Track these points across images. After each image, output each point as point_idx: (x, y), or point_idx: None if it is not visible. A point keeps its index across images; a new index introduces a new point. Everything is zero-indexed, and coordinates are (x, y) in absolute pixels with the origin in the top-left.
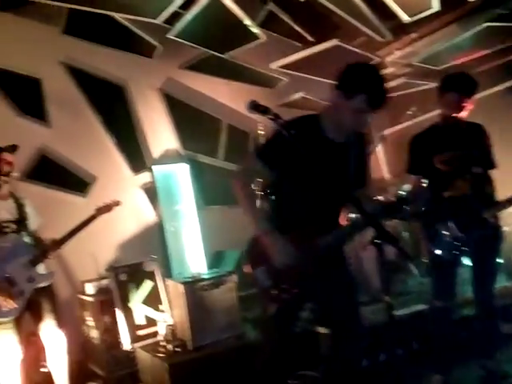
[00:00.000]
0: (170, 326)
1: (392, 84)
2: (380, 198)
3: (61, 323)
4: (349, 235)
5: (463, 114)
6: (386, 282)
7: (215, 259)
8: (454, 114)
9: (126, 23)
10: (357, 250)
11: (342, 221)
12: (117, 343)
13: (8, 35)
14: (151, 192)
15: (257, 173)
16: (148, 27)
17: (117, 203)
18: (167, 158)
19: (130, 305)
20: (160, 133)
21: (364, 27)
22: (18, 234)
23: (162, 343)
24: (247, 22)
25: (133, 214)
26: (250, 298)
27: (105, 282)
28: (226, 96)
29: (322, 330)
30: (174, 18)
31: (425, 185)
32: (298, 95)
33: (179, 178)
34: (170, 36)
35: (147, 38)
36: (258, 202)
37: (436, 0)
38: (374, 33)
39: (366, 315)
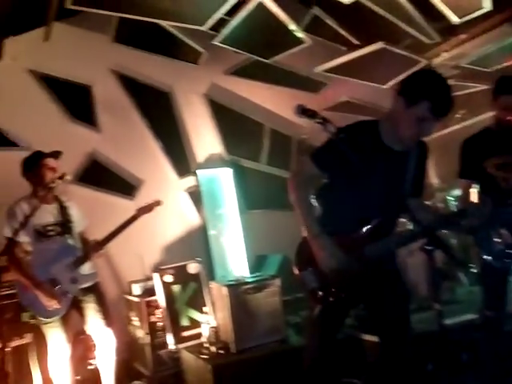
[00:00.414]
0: (213, 328)
1: None
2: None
3: (109, 322)
4: (400, 244)
5: None
6: (435, 289)
7: (257, 263)
8: (508, 118)
9: (173, 30)
10: (402, 256)
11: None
12: (162, 344)
13: (61, 44)
14: (195, 196)
15: (311, 176)
16: (194, 34)
17: (158, 203)
18: (211, 162)
19: (175, 306)
20: (204, 137)
21: (411, 29)
22: (62, 236)
23: (205, 345)
24: (292, 26)
25: (178, 217)
26: (293, 302)
27: (151, 283)
28: (269, 101)
29: (367, 337)
30: (220, 24)
31: (476, 190)
32: (342, 99)
33: (222, 182)
34: (216, 42)
35: (193, 44)
36: (313, 205)
37: (487, 0)
38: (421, 35)
39: (414, 323)
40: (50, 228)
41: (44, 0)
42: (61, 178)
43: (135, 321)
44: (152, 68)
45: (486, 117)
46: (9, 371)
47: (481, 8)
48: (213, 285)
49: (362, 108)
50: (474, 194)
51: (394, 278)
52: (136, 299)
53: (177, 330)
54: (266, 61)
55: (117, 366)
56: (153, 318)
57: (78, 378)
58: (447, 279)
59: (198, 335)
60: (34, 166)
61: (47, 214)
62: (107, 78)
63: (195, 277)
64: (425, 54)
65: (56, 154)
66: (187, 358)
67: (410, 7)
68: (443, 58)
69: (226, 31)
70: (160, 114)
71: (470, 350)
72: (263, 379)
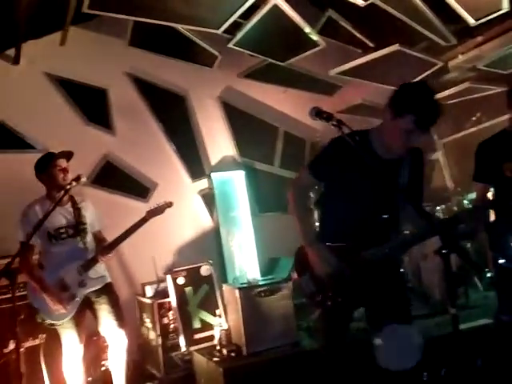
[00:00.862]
0: (225, 330)
1: (456, 89)
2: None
3: (122, 323)
4: (398, 249)
5: None
6: (451, 293)
7: (269, 266)
8: None
9: (189, 34)
10: (417, 261)
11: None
12: (174, 346)
13: (77, 48)
14: (208, 198)
15: (309, 185)
16: (209, 37)
17: (169, 204)
18: (225, 164)
19: (187, 308)
20: (218, 140)
21: (427, 31)
22: (74, 238)
23: (217, 347)
24: (307, 29)
25: (191, 220)
26: (305, 306)
27: (163, 284)
28: (283, 103)
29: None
30: (235, 27)
31: (491, 194)
32: (357, 101)
33: (235, 185)
34: (231, 45)
35: (208, 48)
36: (311, 214)
37: (506, 0)
38: (437, 37)
39: (428, 328)
40: (62, 231)
41: (61, 4)
42: (76, 179)
43: (148, 322)
44: (167, 71)
45: (503, 119)
46: (23, 372)
47: (499, 9)
48: (225, 287)
49: (377, 111)
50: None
51: (394, 283)
52: (148, 301)
53: (189, 332)
54: (281, 64)
55: (128, 368)
56: (165, 320)
57: (90, 379)
58: (462, 284)
59: (210, 338)
60: (46, 166)
61: (60, 217)
62: (123, 82)
63: (207, 279)
64: (441, 57)
65: (67, 155)
66: (199, 360)
67: (425, 9)
68: (459, 61)
69: (240, 34)
70: (174, 117)
71: (484, 355)
72: (275, 382)
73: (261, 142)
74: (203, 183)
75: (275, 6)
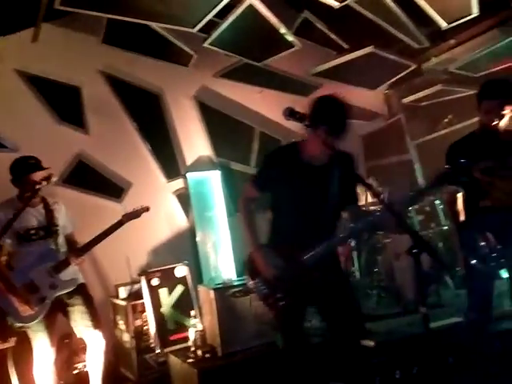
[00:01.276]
0: (200, 331)
1: (428, 91)
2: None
3: (97, 324)
4: (331, 247)
5: (503, 122)
6: (422, 292)
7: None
8: (493, 122)
9: (164, 32)
10: (390, 260)
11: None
12: (148, 347)
13: (50, 45)
14: (184, 198)
15: (254, 196)
16: (184, 36)
17: (145, 209)
18: (200, 164)
19: (162, 309)
20: (194, 140)
21: (400, 34)
22: (44, 240)
23: (192, 349)
24: (283, 30)
25: (166, 220)
26: None
27: (137, 286)
28: (259, 104)
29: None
30: (210, 26)
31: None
32: None
33: (212, 185)
34: (206, 45)
35: (183, 46)
36: (256, 222)
37: (475, 5)
38: (410, 40)
39: (400, 327)
40: (32, 232)
41: (33, 0)
42: (46, 179)
43: (121, 324)
44: (142, 70)
45: (474, 121)
46: None
47: (470, 13)
48: (200, 288)
49: (352, 112)
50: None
51: (339, 282)
52: (122, 302)
53: (163, 333)
54: (257, 64)
55: (104, 370)
56: (139, 322)
57: (62, 383)
58: (433, 282)
59: (185, 339)
60: (21, 177)
61: (31, 218)
62: (96, 80)
63: (182, 280)
64: (414, 59)
65: (38, 167)
66: (173, 361)
67: (399, 12)
68: (432, 63)
69: (216, 34)
70: (149, 116)
71: (455, 353)
72: (250, 383)
73: (237, 142)
74: (178, 183)
75: (250, 6)
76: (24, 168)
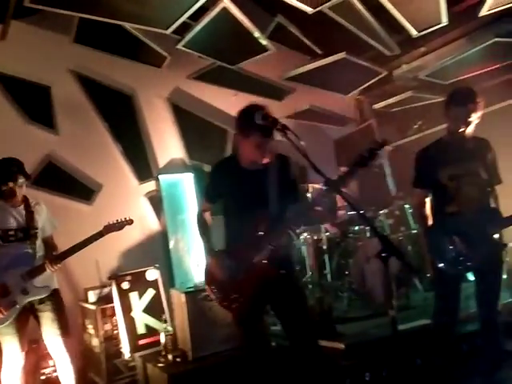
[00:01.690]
0: (170, 335)
1: (399, 98)
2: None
3: (66, 332)
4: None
5: (469, 129)
6: (390, 295)
7: None
8: (460, 129)
9: (137, 33)
10: (361, 263)
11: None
12: (117, 352)
13: (19, 43)
14: (156, 201)
15: (207, 209)
16: (158, 37)
17: (129, 222)
18: (173, 167)
19: (132, 313)
20: (166, 142)
21: (372, 41)
22: (22, 242)
23: (162, 353)
24: (256, 33)
25: (137, 223)
26: None
27: (107, 290)
28: (233, 106)
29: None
30: (184, 28)
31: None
32: (305, 107)
33: (185, 188)
34: (180, 46)
35: (157, 48)
36: (210, 231)
37: (445, 14)
38: (382, 47)
39: (370, 329)
40: (11, 233)
41: None
42: (13, 180)
43: (90, 329)
44: (114, 70)
45: (443, 128)
46: None
47: (439, 22)
48: (171, 292)
49: (324, 116)
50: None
51: (290, 281)
52: (91, 307)
53: (133, 338)
54: (231, 67)
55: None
56: (108, 326)
57: None
58: (402, 285)
59: (156, 343)
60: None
61: (10, 218)
62: (67, 79)
63: (153, 284)
64: (386, 66)
65: (14, 177)
66: (143, 366)
67: (371, 19)
68: (403, 70)
69: (189, 36)
70: (121, 118)
71: (423, 355)
72: None
73: (210, 144)
74: (150, 185)
75: (225, 9)
76: (5, 175)
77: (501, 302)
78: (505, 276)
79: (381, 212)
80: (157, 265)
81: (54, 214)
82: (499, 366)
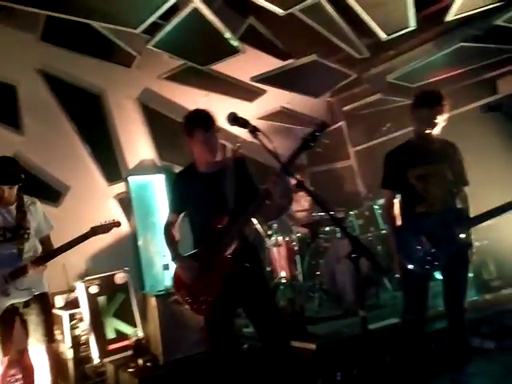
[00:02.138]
0: (141, 340)
1: (368, 100)
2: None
3: (50, 338)
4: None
5: (436, 131)
6: (360, 295)
7: None
8: (426, 131)
9: (105, 32)
10: (331, 264)
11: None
12: (86, 358)
13: None
14: (125, 203)
15: (173, 220)
16: (127, 36)
17: (117, 224)
18: (143, 168)
19: (101, 318)
20: (136, 143)
21: (342, 44)
22: (9, 242)
23: (132, 358)
24: (228, 34)
25: None
26: None
27: (74, 294)
28: (204, 107)
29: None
30: (154, 28)
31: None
32: (277, 108)
33: (155, 189)
34: (149, 46)
35: (126, 47)
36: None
37: (413, 18)
38: (351, 49)
39: (341, 329)
40: None
41: None
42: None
43: (58, 335)
44: (82, 69)
45: (411, 130)
46: None
47: (407, 26)
48: (141, 295)
49: (296, 118)
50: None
51: (256, 277)
52: (59, 312)
53: (102, 343)
54: (201, 67)
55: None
56: (77, 332)
57: None
58: (372, 285)
59: (126, 348)
60: None
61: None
62: (33, 78)
63: (123, 287)
64: (355, 68)
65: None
66: (113, 372)
67: (341, 22)
68: (372, 73)
69: (160, 35)
70: (89, 118)
71: (393, 353)
72: None
73: (182, 145)
74: (120, 187)
75: (195, 10)
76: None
77: (467, 300)
78: (471, 274)
79: (351, 213)
80: (126, 268)
81: None
82: (466, 362)
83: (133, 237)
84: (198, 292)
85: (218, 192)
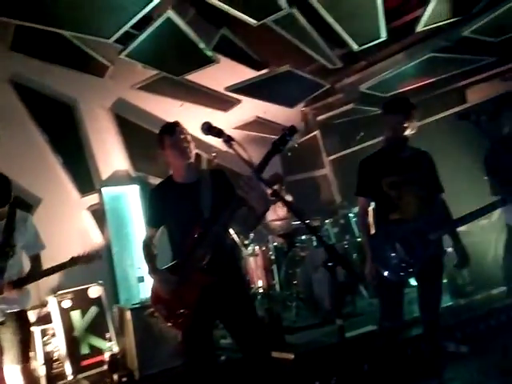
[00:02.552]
0: (116, 354)
1: (341, 109)
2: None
3: (24, 358)
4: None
5: (404, 136)
6: (337, 304)
7: None
8: (396, 136)
9: (77, 42)
10: (308, 273)
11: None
12: (60, 375)
13: None
14: (99, 214)
15: (151, 235)
16: (100, 46)
17: (99, 256)
18: (117, 179)
19: (74, 333)
20: (110, 153)
21: (315, 54)
22: None
23: (108, 373)
24: (201, 44)
25: (79, 237)
26: None
27: (47, 309)
28: (178, 118)
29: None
30: (128, 38)
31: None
32: (251, 118)
33: (129, 200)
34: (123, 56)
35: (98, 57)
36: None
37: (384, 29)
38: (324, 60)
39: (319, 338)
40: None
41: None
42: None
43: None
44: (54, 79)
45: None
46: None
47: (378, 37)
48: (116, 309)
49: (270, 127)
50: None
51: (235, 288)
52: (31, 328)
53: (76, 358)
54: (176, 77)
55: None
56: (49, 348)
57: None
58: (349, 292)
59: (100, 363)
60: None
61: None
62: (3, 88)
63: (97, 301)
64: (328, 78)
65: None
66: None
67: (314, 33)
68: (345, 83)
69: (133, 45)
70: (61, 129)
71: (370, 360)
72: None
73: (156, 156)
74: (93, 198)
75: (169, 20)
76: None
77: (442, 306)
78: (445, 280)
79: (326, 221)
80: (100, 281)
81: None
82: (443, 367)
83: (107, 249)
84: (175, 305)
85: (194, 202)
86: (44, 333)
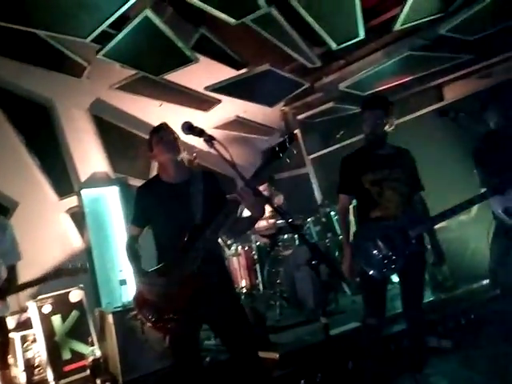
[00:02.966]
0: (98, 359)
1: (321, 108)
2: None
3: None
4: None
5: (384, 132)
6: (321, 302)
7: None
8: (374, 132)
9: (53, 42)
10: (291, 271)
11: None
12: (41, 381)
13: None
14: (78, 217)
15: (136, 235)
16: (77, 46)
17: (85, 270)
18: (96, 181)
19: (55, 338)
20: (88, 155)
21: (294, 53)
22: None
23: (90, 378)
24: (180, 44)
25: (58, 241)
26: None
27: (27, 314)
28: (157, 117)
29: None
30: (105, 37)
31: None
32: (231, 118)
33: (109, 202)
34: (100, 56)
35: (75, 57)
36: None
37: (362, 28)
38: (303, 59)
39: (303, 336)
40: None
41: None
42: None
43: (9, 358)
44: (29, 80)
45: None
46: None
47: (356, 36)
48: (97, 312)
49: (251, 127)
50: None
51: (224, 291)
52: (10, 334)
53: (57, 364)
54: (154, 77)
55: None
56: (30, 354)
57: None
58: (332, 290)
59: (82, 368)
60: None
61: None
62: None
63: (78, 305)
64: (308, 77)
65: None
66: None
67: (293, 32)
68: (324, 82)
69: (110, 45)
70: (38, 130)
71: (355, 358)
72: None
73: (135, 156)
74: (72, 201)
75: (147, 19)
76: None
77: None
78: (426, 276)
79: (308, 220)
80: (81, 285)
81: None
82: (425, 362)
83: (87, 252)
84: (164, 309)
85: (184, 203)
86: (24, 339)
